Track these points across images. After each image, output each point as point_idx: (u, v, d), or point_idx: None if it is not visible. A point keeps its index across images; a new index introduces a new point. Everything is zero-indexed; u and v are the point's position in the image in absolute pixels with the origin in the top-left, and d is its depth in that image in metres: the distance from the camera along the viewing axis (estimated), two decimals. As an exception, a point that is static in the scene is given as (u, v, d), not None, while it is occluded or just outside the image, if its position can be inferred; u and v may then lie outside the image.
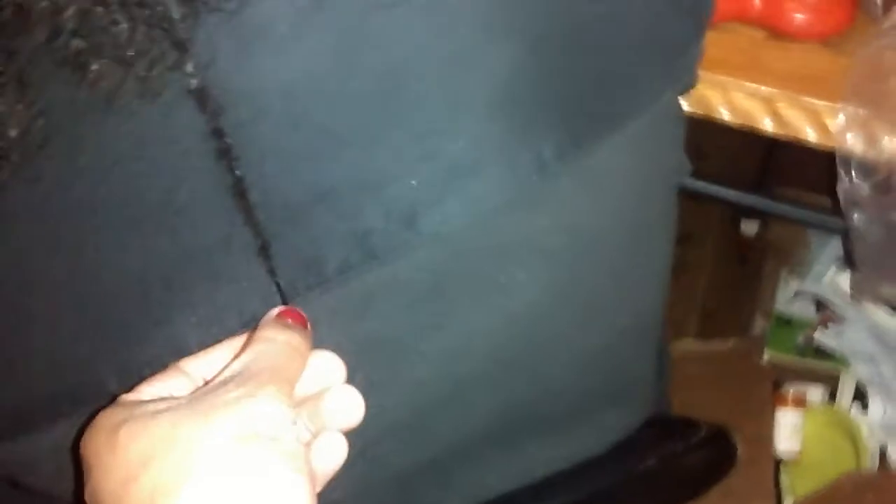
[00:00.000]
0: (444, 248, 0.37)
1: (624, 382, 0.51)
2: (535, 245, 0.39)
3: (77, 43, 0.29)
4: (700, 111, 0.65)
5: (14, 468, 0.39)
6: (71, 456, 0.34)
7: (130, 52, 0.30)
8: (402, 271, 0.36)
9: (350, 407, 0.34)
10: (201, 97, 0.32)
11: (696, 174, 0.53)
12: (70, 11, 0.28)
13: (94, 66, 0.30)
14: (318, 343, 0.35)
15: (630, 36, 0.39)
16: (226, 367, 0.32)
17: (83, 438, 0.31)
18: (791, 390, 1.06)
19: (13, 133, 0.30)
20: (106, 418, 0.31)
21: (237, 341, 0.34)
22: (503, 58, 0.35)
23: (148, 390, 0.33)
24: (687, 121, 0.47)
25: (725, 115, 0.65)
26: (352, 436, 0.35)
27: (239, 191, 0.33)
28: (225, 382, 0.31)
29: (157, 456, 0.28)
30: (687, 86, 0.46)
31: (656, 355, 0.55)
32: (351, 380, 0.36)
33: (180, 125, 0.32)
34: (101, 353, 0.35)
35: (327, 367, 0.35)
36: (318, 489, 0.34)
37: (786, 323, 1.17)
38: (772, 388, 1.07)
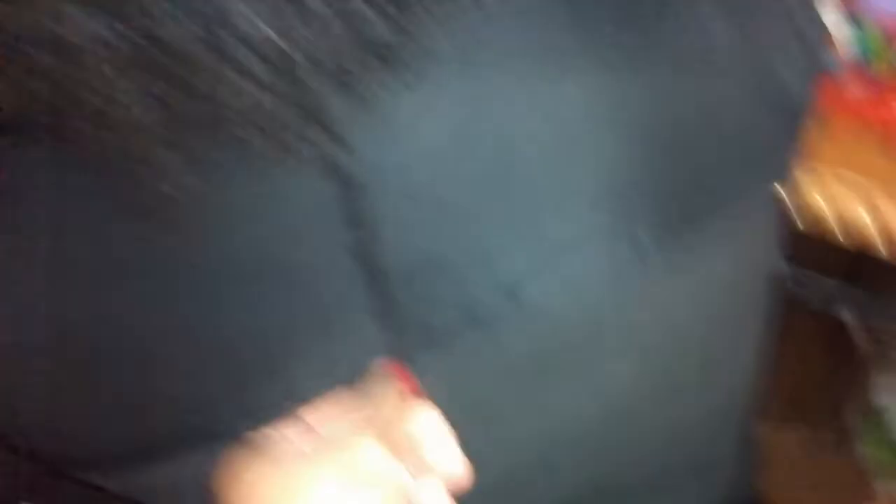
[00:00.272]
0: (545, 323, 0.39)
1: (706, 461, 0.52)
2: (630, 337, 0.41)
3: (242, 122, 0.33)
4: (798, 201, 0.66)
5: (137, 496, 0.43)
6: (193, 488, 0.38)
7: (281, 130, 0.34)
8: (504, 341, 0.39)
9: (449, 458, 0.37)
10: (334, 170, 0.35)
11: (790, 259, 0.54)
12: (240, 98, 0.32)
13: (253, 141, 0.34)
14: (420, 400, 0.38)
15: (724, 132, 0.41)
16: (338, 418, 0.36)
17: (217, 483, 0.35)
18: (885, 488, 1.03)
19: (181, 195, 0.34)
20: (234, 460, 0.34)
21: (349, 395, 0.38)
22: (607, 148, 0.38)
23: (267, 437, 0.36)
24: (784, 209, 0.49)
25: (823, 207, 0.66)
26: None
27: (359, 254, 0.37)
28: (335, 431, 0.34)
29: (276, 496, 0.32)
30: (784, 180, 0.48)
31: (741, 437, 0.55)
32: None
33: (313, 193, 0.36)
34: (226, 396, 0.38)
35: (429, 422, 0.37)
36: None
37: (881, 415, 1.14)
38: (863, 485, 1.04)
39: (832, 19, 0.80)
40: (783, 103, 0.44)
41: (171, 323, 0.38)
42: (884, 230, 0.64)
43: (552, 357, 0.40)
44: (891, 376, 1.16)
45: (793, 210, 0.67)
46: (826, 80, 0.66)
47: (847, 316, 1.22)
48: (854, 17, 0.76)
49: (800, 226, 0.68)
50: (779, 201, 0.49)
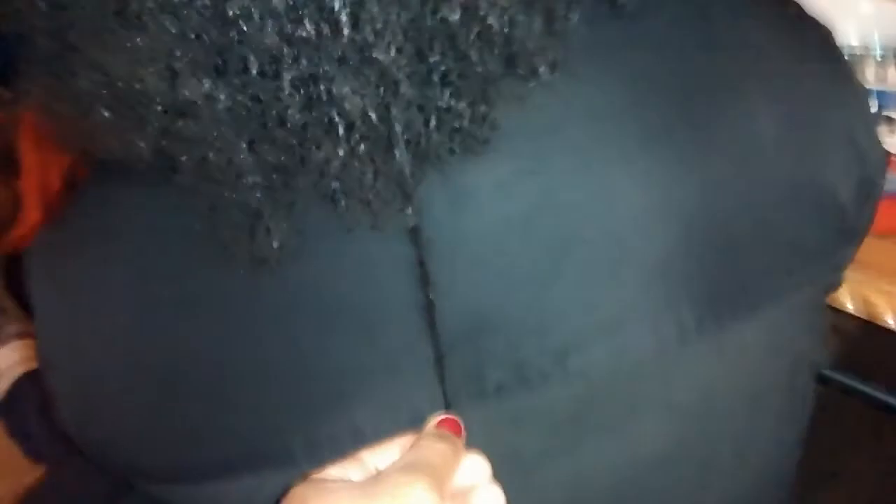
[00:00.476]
0: (587, 387, 0.42)
1: None
2: (665, 401, 0.44)
3: (335, 184, 0.38)
4: (864, 315, 0.67)
5: None
6: None
7: (370, 195, 0.38)
8: (548, 400, 0.42)
9: (494, 501, 0.39)
10: (414, 234, 0.39)
11: (859, 376, 0.54)
12: (335, 163, 0.37)
13: (343, 202, 0.38)
14: (469, 447, 0.41)
15: (769, 232, 0.44)
16: (394, 461, 0.38)
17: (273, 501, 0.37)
18: None
19: (275, 244, 0.39)
20: (297, 491, 0.37)
21: (406, 440, 0.40)
22: (658, 236, 0.42)
23: (331, 472, 0.38)
24: (857, 324, 0.50)
25: (890, 321, 0.66)
26: None
27: (428, 310, 0.40)
28: (390, 473, 0.37)
29: None
30: (831, 285, 0.50)
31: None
32: None
33: (393, 253, 0.40)
34: (292, 427, 0.42)
35: (476, 469, 0.40)
36: None
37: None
38: None
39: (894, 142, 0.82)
40: (834, 216, 0.46)
41: (255, 356, 0.41)
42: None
43: (589, 417, 0.43)
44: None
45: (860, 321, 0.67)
46: (887, 201, 0.67)
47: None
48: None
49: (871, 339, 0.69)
50: (824, 303, 0.51)
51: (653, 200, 0.41)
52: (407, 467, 0.37)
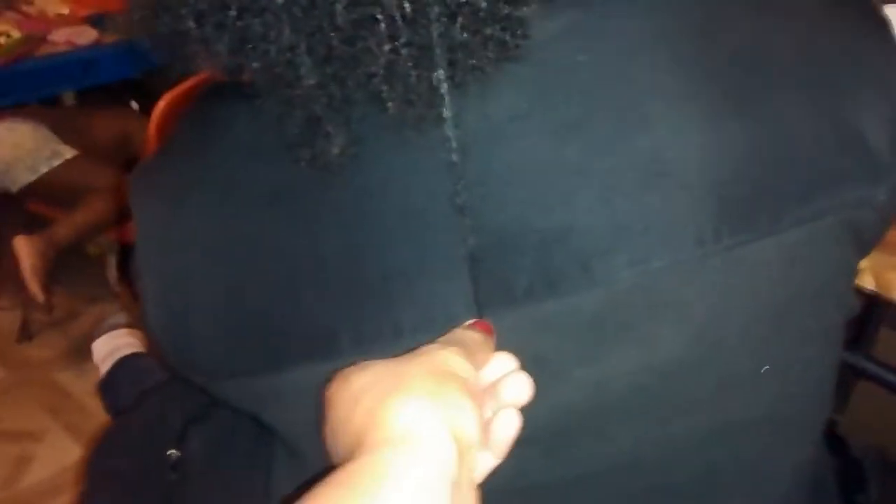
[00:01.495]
0: (609, 293, 0.45)
1: (755, 473, 0.54)
2: (683, 309, 0.46)
3: (384, 86, 0.42)
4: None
5: (256, 403, 0.51)
6: (306, 398, 0.45)
7: (414, 96, 0.42)
8: (572, 306, 0.45)
9: (522, 385, 0.42)
10: (453, 136, 0.43)
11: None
12: (382, 61, 0.41)
13: (390, 104, 0.42)
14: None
15: (793, 160, 0.46)
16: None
17: (327, 388, 0.41)
18: None
19: (336, 150, 0.43)
20: (341, 372, 0.41)
21: (441, 334, 0.44)
22: (683, 150, 0.44)
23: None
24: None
25: None
26: None
27: (463, 212, 0.44)
28: (424, 348, 0.41)
29: (375, 383, 0.38)
30: (860, 224, 0.50)
31: (805, 482, 0.57)
32: None
33: (435, 162, 0.44)
34: (342, 321, 0.46)
35: (505, 363, 0.43)
36: (499, 460, 0.41)
37: None
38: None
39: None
40: (858, 149, 0.48)
41: (317, 253, 0.46)
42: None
43: (610, 323, 0.46)
44: None
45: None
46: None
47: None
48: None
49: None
50: (853, 244, 0.51)
51: (681, 116, 0.44)
52: (441, 342, 0.42)
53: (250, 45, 0.42)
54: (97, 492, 0.81)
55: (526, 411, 0.42)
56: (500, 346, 0.45)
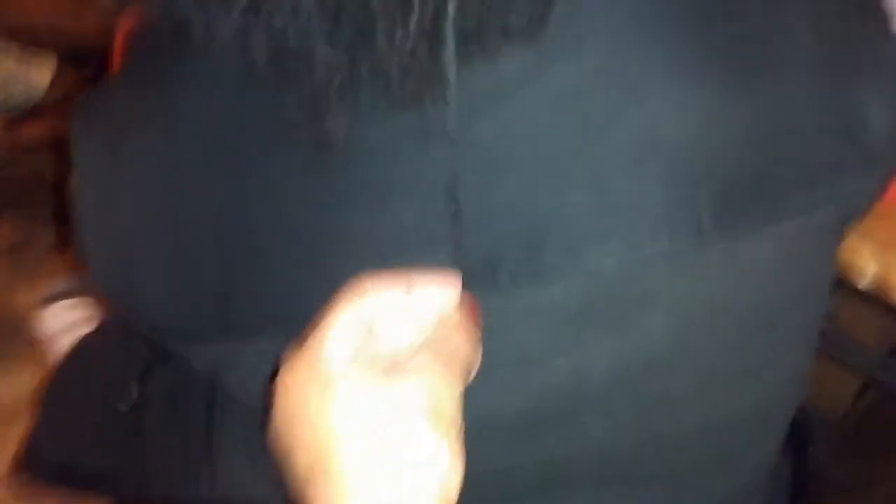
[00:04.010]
0: (597, 282, 0.44)
1: (731, 469, 0.54)
2: (673, 301, 0.45)
3: (395, 65, 0.40)
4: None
5: (213, 367, 0.49)
6: (265, 367, 0.44)
7: (421, 77, 0.40)
8: (558, 294, 0.44)
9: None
10: (449, 117, 0.41)
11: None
12: (398, 37, 0.38)
13: (398, 82, 0.40)
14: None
15: (794, 148, 0.45)
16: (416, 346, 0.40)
17: (286, 375, 0.39)
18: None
19: (340, 135, 0.41)
20: (308, 367, 0.38)
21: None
22: (681, 134, 0.43)
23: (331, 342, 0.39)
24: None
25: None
26: (466, 429, 0.40)
27: (453, 195, 0.42)
28: (412, 360, 0.39)
29: (357, 430, 0.36)
30: (851, 215, 0.50)
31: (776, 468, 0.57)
32: (488, 378, 0.41)
33: (425, 136, 0.42)
34: (307, 294, 0.44)
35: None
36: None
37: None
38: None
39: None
40: (859, 139, 0.47)
41: (276, 215, 0.43)
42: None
43: (597, 313, 0.45)
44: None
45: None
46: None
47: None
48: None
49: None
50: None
51: (679, 99, 0.43)
52: (428, 349, 0.39)
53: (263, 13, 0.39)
54: (51, 421, 0.80)
55: (505, 397, 0.41)
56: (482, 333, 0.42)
